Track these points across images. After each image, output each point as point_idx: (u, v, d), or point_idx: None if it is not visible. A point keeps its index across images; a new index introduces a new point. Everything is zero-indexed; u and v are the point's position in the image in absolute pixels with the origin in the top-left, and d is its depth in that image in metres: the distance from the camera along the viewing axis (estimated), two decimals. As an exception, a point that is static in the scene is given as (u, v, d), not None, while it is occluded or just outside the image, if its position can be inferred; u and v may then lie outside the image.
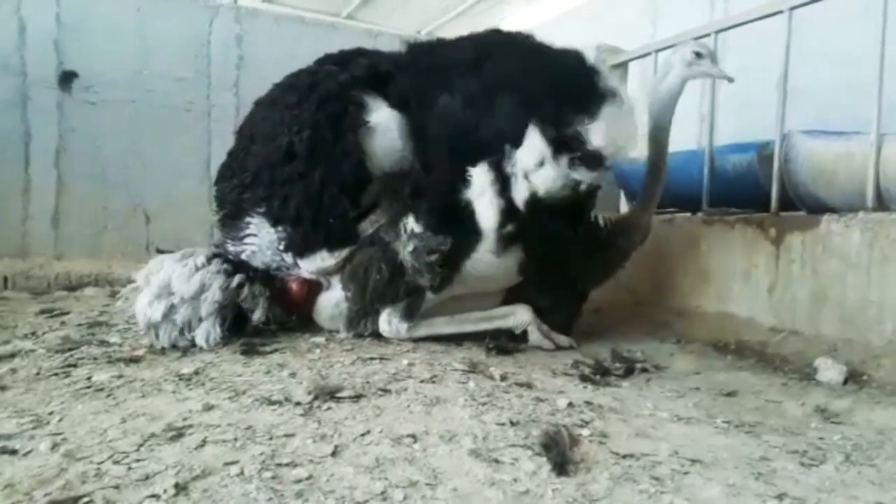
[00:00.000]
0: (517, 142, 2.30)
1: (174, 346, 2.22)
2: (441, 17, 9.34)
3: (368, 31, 5.13)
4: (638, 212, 2.84)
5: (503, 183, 2.30)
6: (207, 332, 2.26)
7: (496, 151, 2.31)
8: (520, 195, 2.31)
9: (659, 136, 2.67)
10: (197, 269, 2.31)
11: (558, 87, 2.36)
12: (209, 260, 2.36)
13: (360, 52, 2.71)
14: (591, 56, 2.46)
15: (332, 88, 2.45)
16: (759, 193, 2.90)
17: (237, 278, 2.36)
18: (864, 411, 1.86)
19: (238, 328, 2.39)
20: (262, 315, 2.40)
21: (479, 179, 2.31)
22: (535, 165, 2.27)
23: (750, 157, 2.98)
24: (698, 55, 2.60)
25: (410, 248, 2.32)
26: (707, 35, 3.22)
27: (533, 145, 2.28)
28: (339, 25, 5.90)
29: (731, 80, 2.66)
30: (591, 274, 2.73)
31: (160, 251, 2.49)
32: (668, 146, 2.71)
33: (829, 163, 2.65)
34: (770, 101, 2.88)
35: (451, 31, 9.51)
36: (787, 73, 2.77)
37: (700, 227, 3.12)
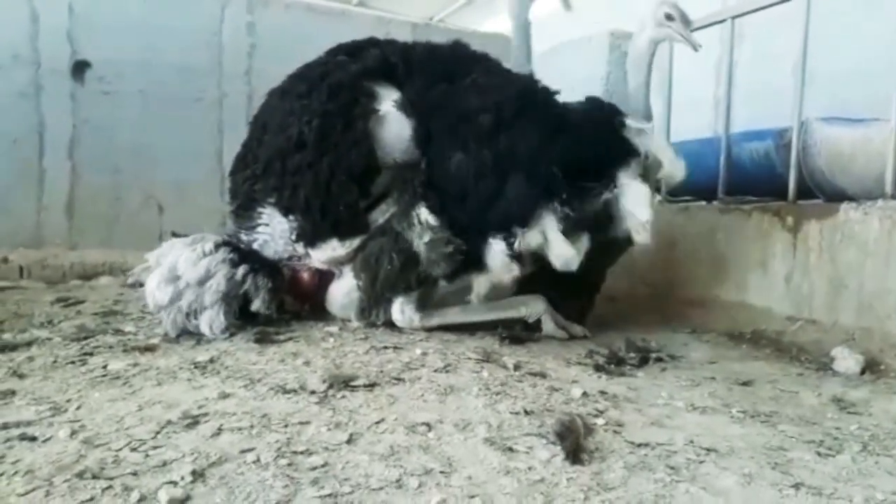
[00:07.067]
0: (529, 221, 2.32)
1: (185, 332, 2.23)
2: (452, 3, 9.30)
3: (380, 18, 5.10)
4: None
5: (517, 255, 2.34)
6: (211, 319, 2.25)
7: (509, 228, 2.33)
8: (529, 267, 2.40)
9: (637, 93, 2.69)
10: (204, 255, 2.31)
11: (578, 160, 2.40)
12: (217, 247, 2.36)
13: (371, 43, 2.70)
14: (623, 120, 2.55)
15: (342, 78, 2.44)
16: (776, 181, 2.86)
17: (242, 269, 2.35)
18: (881, 401, 1.85)
19: (251, 317, 2.40)
20: (262, 307, 2.38)
21: (494, 250, 2.34)
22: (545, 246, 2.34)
23: (767, 145, 2.95)
24: (669, 17, 2.64)
25: (426, 238, 2.31)
26: (723, 20, 3.18)
27: (543, 230, 2.33)
28: (351, 13, 5.86)
29: (697, 48, 2.68)
30: (607, 256, 2.70)
31: (175, 234, 2.50)
32: (650, 104, 2.71)
33: (847, 150, 2.62)
34: (787, 88, 2.83)
35: (463, 18, 9.47)
36: (805, 59, 2.72)
37: (716, 215, 3.09)
